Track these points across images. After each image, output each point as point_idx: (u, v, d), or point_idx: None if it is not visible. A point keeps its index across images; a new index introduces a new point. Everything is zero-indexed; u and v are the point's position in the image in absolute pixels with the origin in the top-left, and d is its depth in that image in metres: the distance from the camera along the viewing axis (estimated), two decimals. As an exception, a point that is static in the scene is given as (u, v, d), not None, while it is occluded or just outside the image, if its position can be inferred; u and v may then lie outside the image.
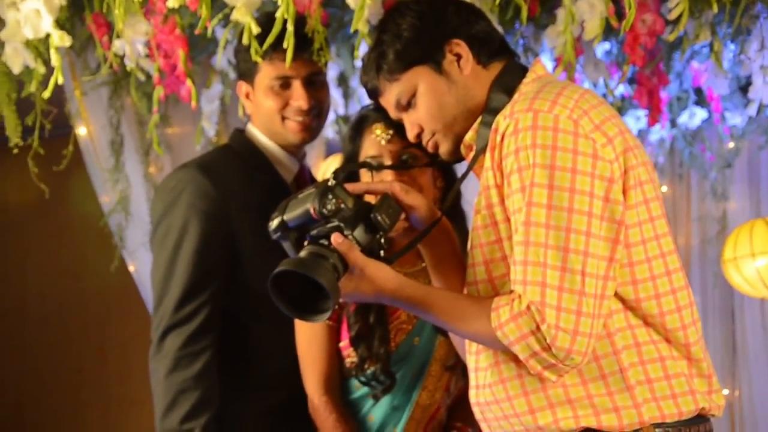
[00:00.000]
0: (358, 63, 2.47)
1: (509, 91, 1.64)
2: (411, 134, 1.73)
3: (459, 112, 1.66)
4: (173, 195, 2.13)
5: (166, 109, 3.28)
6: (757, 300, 4.20)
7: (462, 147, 1.68)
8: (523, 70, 1.70)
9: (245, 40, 2.08)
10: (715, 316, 4.36)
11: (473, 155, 1.66)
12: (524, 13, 2.04)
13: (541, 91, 1.55)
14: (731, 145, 3.90)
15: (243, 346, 2.13)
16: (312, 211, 1.54)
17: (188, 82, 2.32)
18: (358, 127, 2.01)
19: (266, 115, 2.19)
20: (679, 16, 2.23)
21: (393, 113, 1.75)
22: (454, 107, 1.66)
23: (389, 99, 1.72)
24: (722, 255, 3.81)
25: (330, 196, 1.54)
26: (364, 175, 1.99)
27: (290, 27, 1.96)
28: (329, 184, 1.56)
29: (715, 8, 2.11)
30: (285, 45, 1.99)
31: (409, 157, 1.94)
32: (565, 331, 1.43)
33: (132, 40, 2.31)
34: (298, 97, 2.15)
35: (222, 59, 2.85)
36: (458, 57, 1.66)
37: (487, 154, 1.57)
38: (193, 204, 2.10)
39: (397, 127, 1.95)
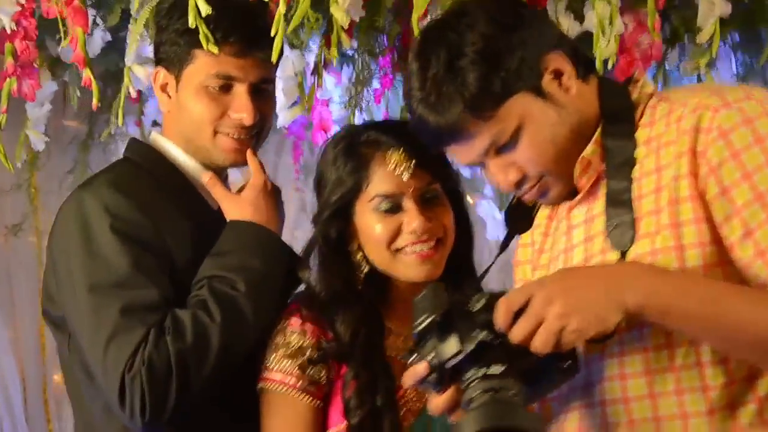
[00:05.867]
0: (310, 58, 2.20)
1: (627, 100, 1.52)
2: (508, 182, 1.51)
3: (572, 144, 1.49)
4: (83, 220, 1.77)
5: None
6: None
7: (578, 166, 1.49)
8: (616, 83, 1.60)
9: (191, 23, 1.79)
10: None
11: (603, 173, 1.49)
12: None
13: (724, 88, 1.49)
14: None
15: None
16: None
17: (86, 73, 1.96)
18: (364, 153, 1.77)
19: (190, 123, 1.88)
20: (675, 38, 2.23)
21: (473, 159, 1.51)
22: (568, 139, 1.49)
23: (479, 144, 1.48)
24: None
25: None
26: (369, 215, 1.78)
27: (282, 8, 1.68)
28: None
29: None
30: (273, 32, 1.70)
31: (433, 196, 1.79)
32: None
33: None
34: (241, 108, 1.85)
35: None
36: (557, 74, 1.49)
37: (669, 162, 1.43)
38: (119, 230, 1.76)
39: (417, 155, 1.77)
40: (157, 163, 1.91)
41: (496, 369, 1.34)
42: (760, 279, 1.35)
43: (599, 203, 1.51)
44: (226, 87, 1.85)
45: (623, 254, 1.44)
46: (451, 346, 1.37)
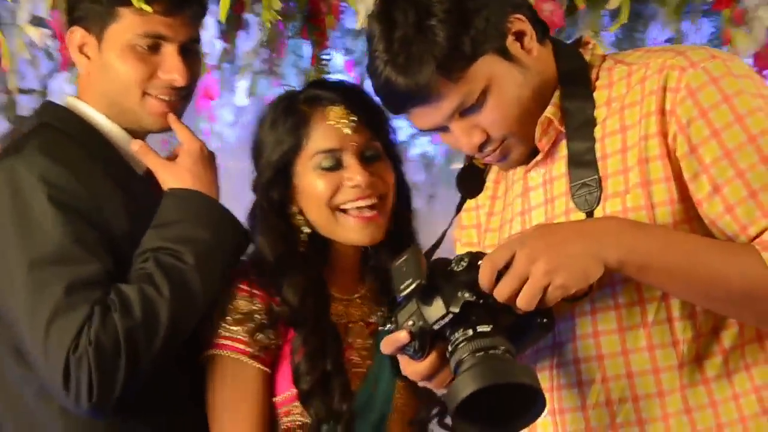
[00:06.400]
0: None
1: (582, 62, 1.54)
2: (472, 144, 1.49)
3: (535, 106, 1.49)
4: (16, 191, 1.65)
5: None
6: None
7: (539, 127, 1.50)
8: (570, 45, 1.61)
9: None
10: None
11: (566, 133, 1.49)
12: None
13: (687, 48, 1.50)
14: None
15: None
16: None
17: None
18: (303, 110, 1.76)
19: (116, 85, 1.78)
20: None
21: (438, 122, 1.49)
22: (531, 100, 1.49)
23: (447, 106, 1.46)
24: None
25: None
26: (310, 174, 1.76)
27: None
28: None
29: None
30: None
31: (375, 154, 1.78)
32: None
33: None
34: (173, 69, 1.77)
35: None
36: (519, 36, 1.49)
37: (635, 122, 1.45)
38: (58, 200, 1.64)
39: (358, 111, 1.79)
40: (79, 129, 1.79)
41: (484, 328, 1.33)
42: (727, 234, 1.39)
43: (559, 165, 1.52)
44: (155, 46, 1.76)
45: (590, 214, 1.46)
46: (437, 309, 1.35)
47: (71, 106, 1.83)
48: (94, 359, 1.58)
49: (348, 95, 1.78)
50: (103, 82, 1.79)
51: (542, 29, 1.55)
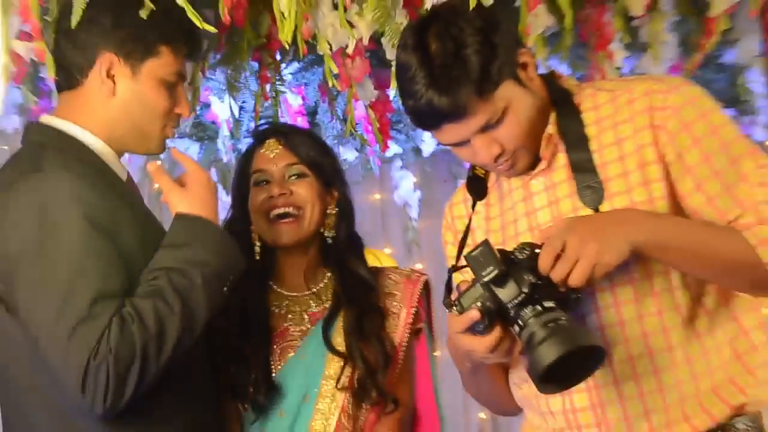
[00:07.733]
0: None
1: (565, 90, 1.86)
2: (489, 156, 1.79)
3: (539, 124, 1.81)
4: (46, 207, 1.79)
5: None
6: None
7: (543, 141, 1.81)
8: (548, 76, 1.92)
9: (181, 2, 1.91)
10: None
11: (563, 147, 1.81)
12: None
13: (663, 76, 1.97)
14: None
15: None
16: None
17: (41, 45, 1.96)
18: (253, 145, 2.29)
19: (146, 112, 1.96)
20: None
21: (464, 136, 1.77)
22: (537, 119, 1.80)
23: (475, 122, 1.74)
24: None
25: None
26: (252, 191, 2.26)
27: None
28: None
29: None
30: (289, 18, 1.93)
31: (296, 174, 2.24)
32: None
33: None
34: (186, 104, 2.03)
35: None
36: (525, 66, 1.78)
37: (628, 135, 1.77)
38: (91, 218, 1.80)
39: (289, 143, 2.28)
40: (75, 147, 1.92)
41: (550, 303, 1.61)
42: (707, 221, 1.70)
43: (559, 173, 1.83)
44: (176, 84, 1.99)
45: (596, 210, 1.76)
46: (511, 290, 1.63)
47: (64, 127, 1.93)
48: (113, 366, 1.72)
49: (280, 130, 2.31)
50: (131, 107, 1.94)
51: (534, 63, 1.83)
